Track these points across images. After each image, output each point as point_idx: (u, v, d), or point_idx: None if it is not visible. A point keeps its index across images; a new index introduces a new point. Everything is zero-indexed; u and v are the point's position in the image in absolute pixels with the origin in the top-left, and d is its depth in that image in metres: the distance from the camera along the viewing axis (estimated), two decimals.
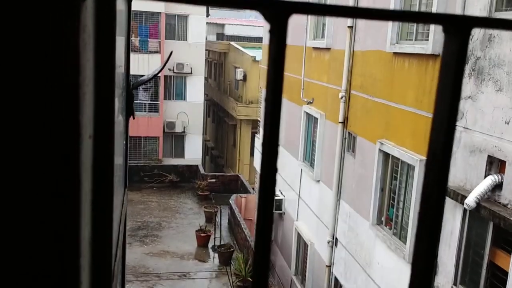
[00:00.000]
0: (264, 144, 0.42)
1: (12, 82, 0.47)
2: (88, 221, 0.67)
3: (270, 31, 0.37)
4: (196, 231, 17.69)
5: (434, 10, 7.43)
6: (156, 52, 25.11)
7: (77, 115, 0.46)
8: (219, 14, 45.55)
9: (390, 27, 8.69)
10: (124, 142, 1.84)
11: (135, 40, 24.49)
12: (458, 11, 6.90)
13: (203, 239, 17.41)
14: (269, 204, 0.41)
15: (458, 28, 0.37)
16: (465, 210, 6.53)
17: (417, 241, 0.44)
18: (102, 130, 0.67)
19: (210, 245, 17.47)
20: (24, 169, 0.48)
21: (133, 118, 1.99)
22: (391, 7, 8.69)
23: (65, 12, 0.43)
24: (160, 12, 25.09)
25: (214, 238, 17.35)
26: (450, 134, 0.37)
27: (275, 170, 0.41)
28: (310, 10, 0.35)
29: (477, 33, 6.60)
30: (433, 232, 0.42)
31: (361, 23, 10.14)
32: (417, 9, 8.20)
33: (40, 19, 0.44)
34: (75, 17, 0.43)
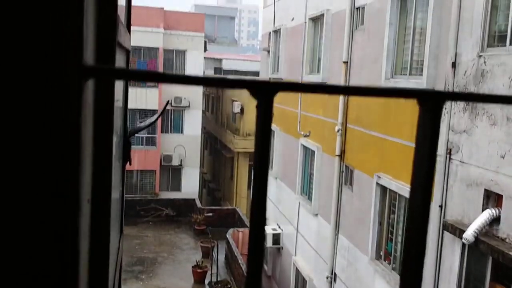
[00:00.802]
0: (252, 205, 0.44)
1: (13, 151, 0.49)
2: (85, 274, 0.69)
3: (257, 106, 0.40)
4: (192, 266, 17.43)
5: (427, 47, 7.59)
6: (154, 86, 25.37)
7: (76, 180, 0.48)
8: (217, 49, 46.28)
9: (384, 61, 8.85)
10: (121, 188, 1.86)
11: None
12: (451, 47, 7.05)
13: (199, 275, 17.14)
14: (259, 241, 0.43)
15: (431, 102, 0.39)
16: (463, 244, 6.49)
17: (404, 268, 0.46)
18: (100, 194, 0.69)
19: (206, 281, 17.18)
20: (20, 234, 0.50)
21: (130, 164, 2.01)
22: (385, 46, 8.86)
23: (68, 91, 0.46)
24: (158, 48, 25.50)
25: (211, 274, 17.09)
26: (426, 206, 0.39)
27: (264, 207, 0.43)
28: (292, 88, 0.38)
29: (469, 68, 6.72)
30: (418, 260, 0.44)
31: (356, 58, 10.32)
32: (410, 47, 8.36)
33: (43, 98, 0.46)
34: (77, 96, 0.46)
